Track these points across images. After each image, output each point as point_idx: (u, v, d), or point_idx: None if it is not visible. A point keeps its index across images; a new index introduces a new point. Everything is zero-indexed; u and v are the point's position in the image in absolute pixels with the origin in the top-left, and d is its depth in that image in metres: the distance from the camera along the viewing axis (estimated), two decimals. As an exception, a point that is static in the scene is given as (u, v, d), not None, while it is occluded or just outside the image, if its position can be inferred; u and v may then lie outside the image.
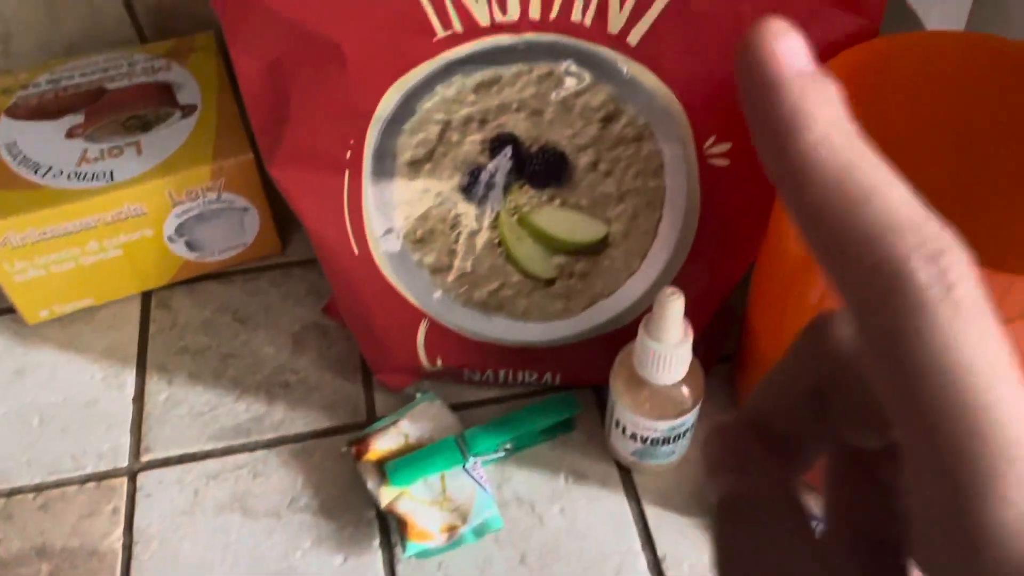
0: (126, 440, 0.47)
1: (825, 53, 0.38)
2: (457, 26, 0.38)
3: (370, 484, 0.42)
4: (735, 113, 0.40)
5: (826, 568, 0.15)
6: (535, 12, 0.38)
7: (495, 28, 0.38)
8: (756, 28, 0.13)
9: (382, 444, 0.43)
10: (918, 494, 0.13)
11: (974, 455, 0.12)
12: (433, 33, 0.38)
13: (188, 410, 0.48)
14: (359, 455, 0.43)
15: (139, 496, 0.45)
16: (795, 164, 0.12)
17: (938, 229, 0.12)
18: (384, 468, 0.42)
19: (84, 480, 0.45)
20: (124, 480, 0.45)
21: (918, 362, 0.12)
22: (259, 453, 0.46)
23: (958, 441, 0.12)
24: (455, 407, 0.47)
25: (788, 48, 0.13)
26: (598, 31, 0.38)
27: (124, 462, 0.46)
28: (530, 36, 0.39)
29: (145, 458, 0.46)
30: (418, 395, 0.47)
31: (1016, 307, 0.31)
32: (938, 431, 0.12)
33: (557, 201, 0.43)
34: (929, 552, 0.13)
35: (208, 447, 0.46)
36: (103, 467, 0.46)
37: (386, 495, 0.42)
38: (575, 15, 0.38)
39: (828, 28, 0.38)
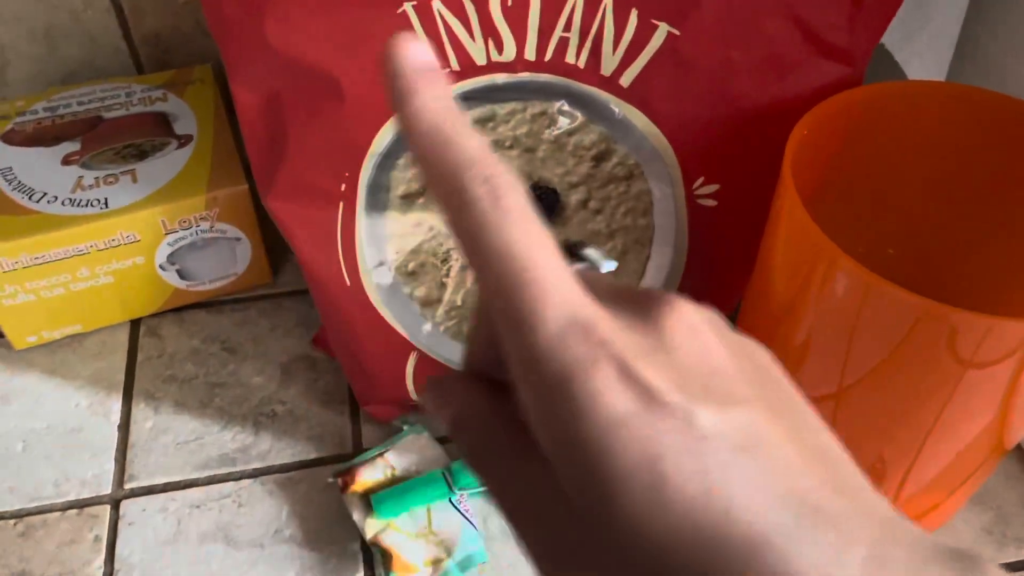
0: (110, 467, 0.47)
1: (811, 99, 0.39)
2: (454, 64, 0.39)
3: (356, 516, 0.42)
4: (724, 155, 0.41)
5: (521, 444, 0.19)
6: (530, 53, 0.39)
7: (491, 67, 0.39)
8: (396, 37, 0.19)
9: (368, 476, 0.43)
10: (506, 352, 0.18)
11: (520, 298, 0.17)
12: (430, 71, 0.39)
13: (174, 439, 0.48)
14: (345, 486, 0.43)
15: (121, 524, 0.44)
16: (406, 120, 0.18)
17: (494, 161, 0.18)
18: (370, 500, 0.42)
19: (66, 507, 0.45)
20: (107, 508, 0.45)
21: (483, 246, 0.17)
22: (244, 483, 0.46)
23: (509, 293, 0.17)
24: (442, 440, 0.47)
25: (413, 47, 0.19)
26: (591, 72, 0.39)
27: (107, 489, 0.46)
28: (525, 76, 0.40)
29: (129, 486, 0.46)
30: (405, 427, 0.47)
31: (997, 349, 0.32)
32: (499, 288, 0.17)
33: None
34: (521, 395, 0.18)
35: (193, 476, 0.46)
36: (86, 494, 0.45)
37: (371, 527, 0.42)
38: (569, 56, 0.39)
39: (815, 76, 0.39)
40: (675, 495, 0.16)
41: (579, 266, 0.24)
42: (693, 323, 0.18)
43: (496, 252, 0.17)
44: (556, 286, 0.17)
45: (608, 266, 0.25)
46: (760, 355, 0.19)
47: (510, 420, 0.20)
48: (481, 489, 0.45)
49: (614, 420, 0.16)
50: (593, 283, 0.19)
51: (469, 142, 0.18)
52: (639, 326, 0.18)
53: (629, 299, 0.19)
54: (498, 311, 0.18)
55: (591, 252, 0.25)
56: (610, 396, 0.16)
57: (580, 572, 0.18)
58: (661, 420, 0.16)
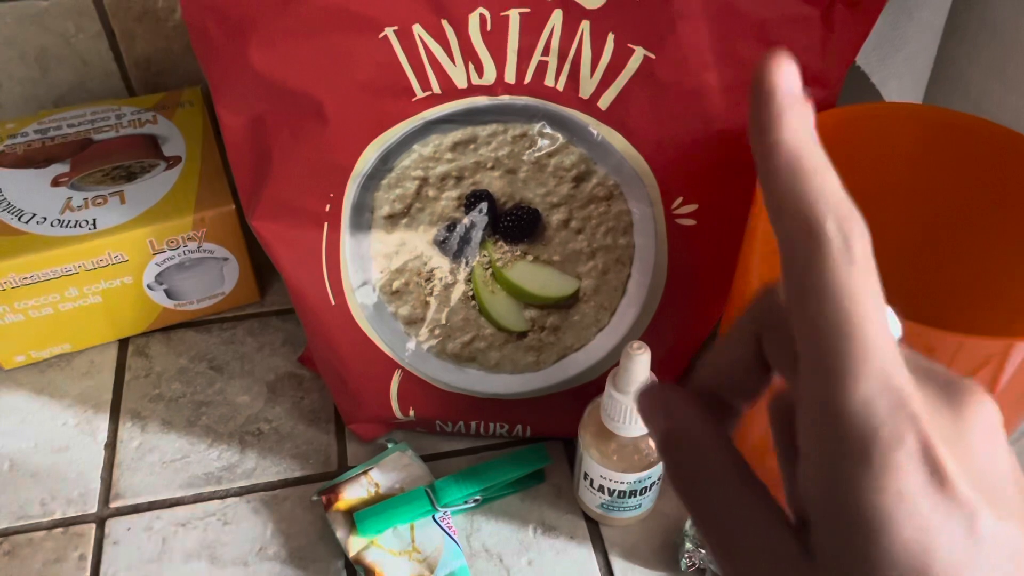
0: (96, 486, 0.47)
1: (786, 121, 0.40)
2: (435, 87, 0.40)
3: (339, 533, 0.43)
4: (702, 176, 0.42)
5: (749, 488, 0.19)
6: (511, 76, 0.40)
7: (472, 90, 0.40)
8: (769, 55, 0.18)
9: (352, 494, 0.44)
10: (803, 395, 0.18)
11: (843, 349, 0.17)
12: (412, 94, 0.40)
13: (160, 457, 0.48)
14: (329, 504, 0.44)
15: (106, 543, 0.44)
16: (764, 149, 0.18)
17: (850, 207, 0.18)
18: (354, 517, 0.43)
19: (52, 526, 0.45)
20: (92, 526, 0.45)
21: (817, 288, 0.17)
22: (229, 501, 0.46)
23: (833, 340, 0.17)
24: (426, 458, 0.47)
25: (786, 73, 0.18)
26: (570, 95, 0.40)
27: (93, 507, 0.46)
28: (505, 98, 0.41)
29: (114, 504, 0.46)
30: (389, 445, 0.47)
31: (969, 366, 0.32)
32: (820, 335, 0.17)
33: (530, 256, 0.44)
34: (804, 439, 0.18)
35: (178, 494, 0.46)
36: (72, 513, 0.46)
37: (355, 545, 0.42)
38: (548, 80, 0.40)
39: (788, 98, 0.40)
40: None
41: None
42: (993, 423, 0.19)
43: (832, 297, 0.17)
44: (881, 348, 0.17)
45: (897, 329, 0.24)
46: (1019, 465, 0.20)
47: (729, 447, 0.20)
48: (464, 506, 0.45)
49: (904, 495, 0.17)
50: (906, 355, 0.19)
51: (828, 181, 0.18)
52: (945, 410, 0.18)
53: (938, 380, 0.19)
54: (809, 352, 0.17)
55: (890, 313, 0.24)
56: (908, 471, 0.17)
57: None
58: (947, 508, 0.17)
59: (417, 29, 0.38)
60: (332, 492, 0.44)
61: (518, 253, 0.44)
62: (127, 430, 0.49)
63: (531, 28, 0.38)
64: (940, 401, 0.18)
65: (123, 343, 0.54)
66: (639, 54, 0.38)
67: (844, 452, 0.17)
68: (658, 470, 0.42)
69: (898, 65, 0.50)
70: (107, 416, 0.50)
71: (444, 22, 0.37)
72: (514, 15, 0.38)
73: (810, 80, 0.39)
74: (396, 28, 0.37)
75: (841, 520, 0.17)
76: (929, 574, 0.16)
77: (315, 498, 0.45)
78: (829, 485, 0.17)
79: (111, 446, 0.49)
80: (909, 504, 0.16)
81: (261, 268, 0.56)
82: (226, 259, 0.53)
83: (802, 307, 0.17)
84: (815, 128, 0.18)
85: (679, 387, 0.21)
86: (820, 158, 0.18)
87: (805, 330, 0.17)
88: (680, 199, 0.43)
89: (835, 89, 0.40)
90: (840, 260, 0.17)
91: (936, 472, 0.17)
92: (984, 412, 0.18)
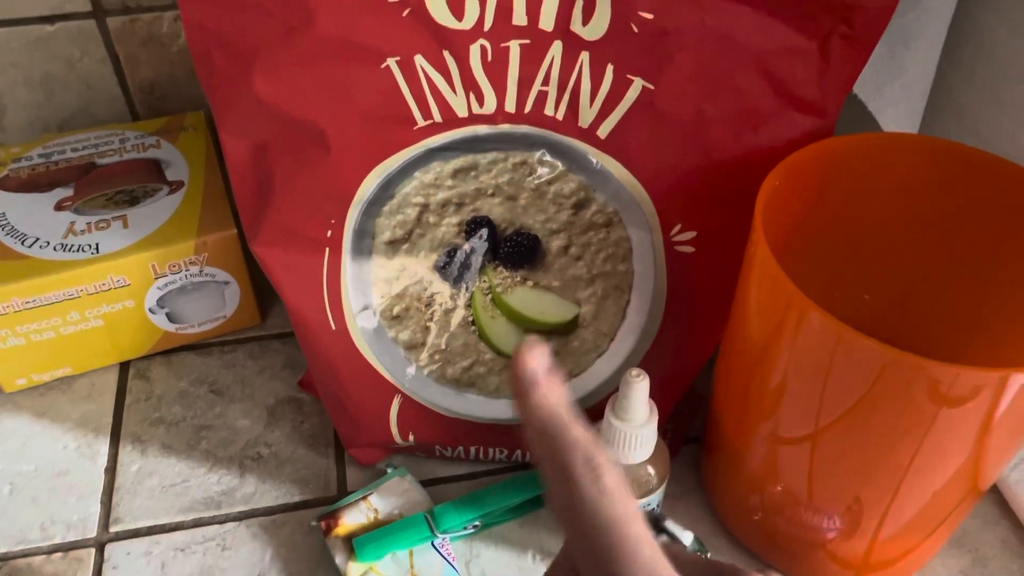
0: (96, 510, 0.47)
1: (784, 149, 0.40)
2: (437, 116, 0.40)
3: (338, 559, 0.43)
4: (700, 203, 0.42)
5: None
6: (511, 105, 0.40)
7: (473, 119, 0.41)
8: (525, 347, 0.24)
9: (351, 519, 0.44)
10: None
11: (614, 566, 0.20)
12: (414, 122, 0.40)
13: (160, 481, 0.48)
14: (328, 530, 0.44)
15: (106, 568, 0.44)
16: (526, 409, 0.23)
17: (594, 448, 0.22)
18: (353, 543, 0.43)
19: (51, 551, 0.45)
20: (91, 551, 0.45)
21: (583, 517, 0.21)
22: (229, 526, 0.46)
23: (606, 559, 0.20)
24: (426, 483, 0.47)
25: (538, 356, 0.23)
26: (570, 124, 0.40)
27: (93, 532, 0.46)
28: (506, 127, 0.41)
29: (114, 529, 0.46)
30: (389, 470, 0.47)
31: (967, 395, 0.33)
32: (594, 554, 0.21)
33: (530, 282, 0.45)
34: None
35: (178, 519, 0.46)
36: (71, 537, 0.46)
37: (354, 571, 0.42)
38: (548, 109, 0.40)
39: (787, 127, 0.40)
40: None
41: (663, 539, 0.28)
42: None
43: (593, 524, 0.21)
44: (645, 557, 0.20)
45: (687, 538, 0.29)
46: None
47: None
48: (463, 532, 0.45)
49: None
50: (677, 556, 0.22)
51: (574, 430, 0.22)
52: None
53: (711, 570, 0.23)
54: (588, 568, 0.21)
55: (671, 525, 0.29)
56: None
57: None
58: None
59: (419, 60, 0.38)
60: (331, 517, 0.44)
61: (518, 279, 0.45)
62: (127, 454, 0.50)
63: (531, 59, 0.39)
64: None
65: (124, 366, 0.54)
66: (638, 84, 0.39)
67: None
68: (658, 496, 0.42)
69: (895, 93, 0.50)
70: (107, 440, 0.50)
71: (446, 53, 0.38)
72: (514, 46, 0.38)
73: (807, 109, 0.40)
74: (398, 59, 0.38)
75: None
76: None
77: (314, 523, 0.45)
78: None
79: (111, 470, 0.49)
80: None
81: (262, 291, 0.56)
82: (227, 283, 0.53)
83: (575, 536, 0.21)
84: (565, 397, 0.23)
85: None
86: (567, 416, 0.22)
87: (581, 559, 0.21)
88: (679, 226, 0.43)
89: (832, 119, 0.41)
90: (592, 490, 0.21)
91: None
92: None
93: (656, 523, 0.29)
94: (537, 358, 0.23)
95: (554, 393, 0.23)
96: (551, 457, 0.22)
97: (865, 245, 0.45)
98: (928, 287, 0.45)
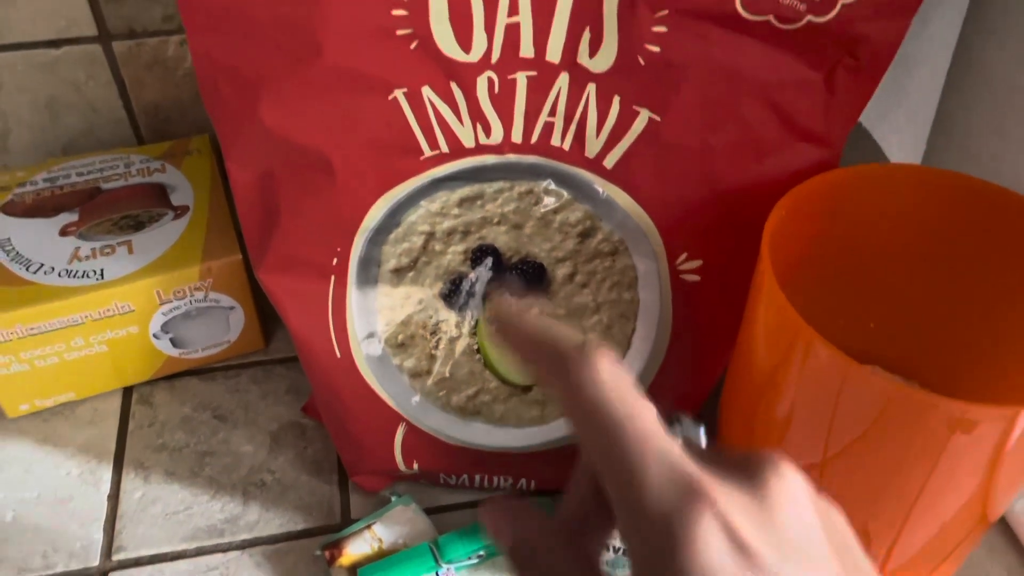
0: (99, 538, 0.47)
1: (790, 180, 0.40)
2: (443, 147, 0.40)
3: (342, 589, 0.42)
4: (706, 233, 0.42)
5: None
6: (517, 136, 0.40)
7: (479, 149, 0.41)
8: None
9: (356, 548, 0.44)
10: (615, 511, 0.20)
11: (624, 457, 0.19)
12: (420, 152, 0.40)
13: (163, 509, 0.48)
14: (332, 559, 0.43)
15: (108, 597, 0.44)
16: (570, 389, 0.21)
17: (596, 347, 0.21)
18: (357, 574, 0.42)
19: (53, 579, 0.45)
20: (94, 580, 0.45)
21: (586, 412, 0.20)
22: (232, 554, 0.46)
23: (615, 454, 0.19)
24: (430, 510, 0.47)
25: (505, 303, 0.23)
26: (576, 154, 0.41)
27: (95, 561, 0.46)
28: (512, 157, 0.41)
29: (117, 557, 0.46)
30: (393, 498, 0.47)
31: (972, 430, 0.32)
32: (604, 453, 0.20)
33: (535, 310, 0.45)
34: (627, 549, 0.20)
35: (181, 547, 0.46)
36: (74, 566, 0.45)
37: (358, 601, 0.42)
38: (555, 139, 0.40)
39: (792, 158, 0.40)
40: None
41: (678, 437, 0.25)
42: (794, 492, 0.20)
43: (603, 425, 0.20)
44: (657, 447, 0.19)
45: (700, 431, 0.26)
46: (838, 521, 0.21)
47: (567, 549, 0.22)
48: (468, 562, 0.45)
49: (710, 569, 0.18)
50: (699, 451, 0.21)
51: (564, 331, 0.22)
52: (746, 485, 0.20)
53: (736, 461, 0.21)
54: (604, 471, 0.20)
55: (685, 419, 0.26)
56: (710, 547, 0.18)
57: None
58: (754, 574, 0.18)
59: (426, 91, 0.38)
60: (335, 547, 0.44)
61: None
62: (130, 480, 0.49)
63: (538, 90, 0.39)
64: (739, 479, 0.20)
65: (127, 391, 0.54)
66: (644, 115, 0.39)
67: (652, 547, 0.19)
68: (663, 527, 0.42)
69: (899, 121, 0.51)
70: (110, 466, 0.50)
71: (453, 84, 0.38)
72: (521, 78, 0.38)
73: (813, 140, 0.40)
74: (406, 90, 0.38)
75: None
76: None
77: (318, 553, 0.45)
78: (652, 573, 0.19)
79: (114, 497, 0.49)
80: (719, 571, 0.18)
81: (266, 316, 0.56)
82: (232, 308, 0.53)
83: (584, 434, 0.20)
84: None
85: (518, 498, 0.24)
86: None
87: (594, 455, 0.20)
88: (684, 255, 0.43)
89: (837, 149, 0.41)
90: (598, 393, 0.20)
91: (737, 543, 0.18)
92: (785, 481, 0.20)
93: (669, 419, 0.27)
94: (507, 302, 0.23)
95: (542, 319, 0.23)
96: (537, 354, 0.22)
97: (871, 274, 0.45)
98: (934, 315, 0.45)
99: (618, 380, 0.20)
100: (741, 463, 0.20)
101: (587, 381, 0.20)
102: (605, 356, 0.21)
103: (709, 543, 0.18)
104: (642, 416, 0.20)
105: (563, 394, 0.21)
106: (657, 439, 0.19)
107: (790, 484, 0.20)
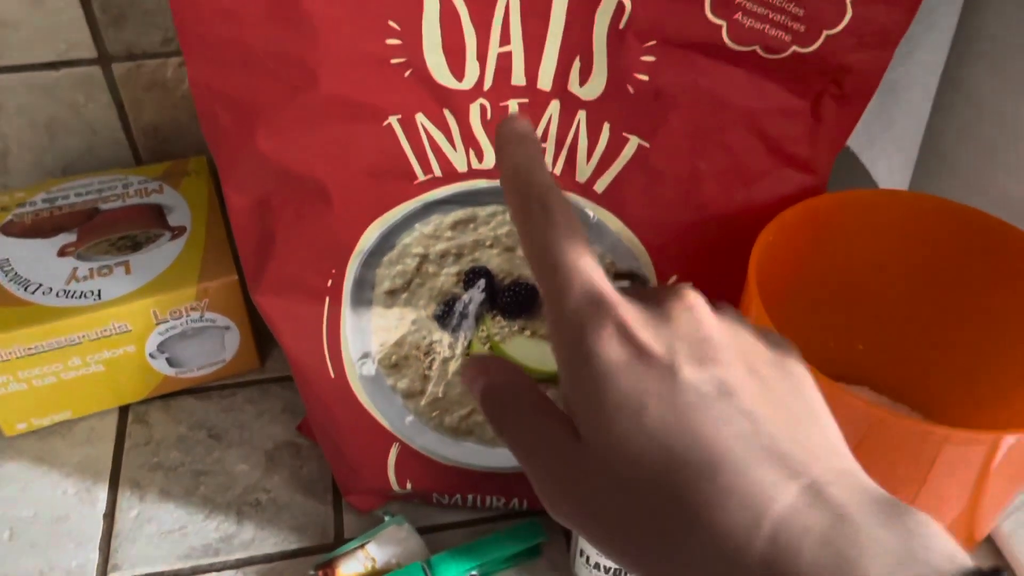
0: (94, 557, 0.47)
1: (777, 205, 0.41)
2: (437, 171, 0.41)
3: (336, 609, 0.43)
4: (696, 256, 0.43)
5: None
6: (509, 160, 0.41)
7: (472, 173, 0.41)
8: (507, 121, 0.27)
9: (348, 568, 0.44)
10: (545, 303, 0.24)
11: (555, 279, 0.24)
12: (414, 177, 0.41)
13: (158, 528, 0.48)
14: (326, 579, 0.44)
15: (103, 616, 0.45)
16: (503, 160, 0.26)
17: (555, 191, 0.25)
18: (350, 593, 0.43)
19: (49, 598, 0.45)
20: (89, 599, 0.45)
21: (537, 247, 0.24)
22: (227, 573, 0.46)
23: (549, 276, 0.24)
24: (423, 530, 0.48)
25: (517, 123, 0.27)
26: (567, 179, 0.41)
27: (90, 580, 0.46)
28: (504, 181, 0.42)
29: (112, 576, 0.46)
30: (386, 518, 0.48)
31: (957, 453, 0.33)
32: (542, 276, 0.24)
33: (527, 332, 0.45)
34: (549, 324, 0.24)
35: (176, 566, 0.47)
36: (69, 585, 0.46)
37: (351, 621, 0.42)
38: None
39: (779, 184, 0.41)
40: (652, 424, 0.22)
41: (623, 283, 0.29)
42: (691, 303, 0.24)
43: (547, 251, 0.24)
44: (582, 272, 0.24)
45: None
46: (776, 340, 0.25)
47: (530, 390, 0.26)
48: (461, 581, 0.45)
49: (611, 367, 0.22)
50: (628, 289, 0.25)
51: (538, 177, 0.25)
52: (650, 306, 0.24)
53: (650, 290, 0.25)
54: (543, 290, 0.24)
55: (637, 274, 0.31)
56: (610, 350, 0.23)
57: (580, 492, 0.23)
58: (647, 370, 0.22)
59: (420, 118, 0.39)
60: (328, 567, 0.44)
61: (516, 328, 0.45)
62: (126, 499, 0.50)
63: (530, 117, 0.39)
64: (647, 301, 0.24)
65: (123, 410, 0.55)
66: (633, 142, 0.40)
67: (570, 349, 0.23)
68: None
69: (887, 145, 0.51)
70: (106, 485, 0.50)
71: (446, 111, 0.39)
72: (513, 105, 0.39)
73: (800, 167, 0.41)
74: (400, 117, 0.39)
75: (580, 398, 0.23)
76: (646, 418, 0.22)
77: (312, 572, 0.45)
78: (569, 378, 0.23)
79: (110, 516, 0.49)
80: (619, 372, 0.22)
81: (261, 336, 0.57)
82: (228, 328, 0.54)
83: (532, 262, 0.25)
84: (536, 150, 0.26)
85: (494, 356, 0.27)
86: (533, 165, 0.26)
87: (538, 277, 0.25)
88: (675, 277, 0.44)
89: (824, 176, 0.41)
90: (544, 222, 0.24)
91: (631, 341, 0.23)
92: (683, 298, 0.24)
93: (622, 276, 0.30)
94: (517, 123, 0.26)
95: (527, 151, 0.26)
96: (516, 202, 0.25)
97: (858, 297, 0.45)
98: (921, 337, 0.45)
99: (572, 232, 0.25)
100: (654, 291, 0.25)
101: (549, 238, 0.24)
102: (562, 210, 0.25)
103: (609, 342, 0.23)
104: (578, 253, 0.24)
105: (525, 238, 0.25)
106: (586, 270, 0.24)
107: (687, 299, 0.24)
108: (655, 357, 0.22)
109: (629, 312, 0.23)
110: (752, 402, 0.22)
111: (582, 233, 0.25)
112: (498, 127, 0.27)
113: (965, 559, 0.20)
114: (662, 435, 0.22)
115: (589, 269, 0.24)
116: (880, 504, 0.21)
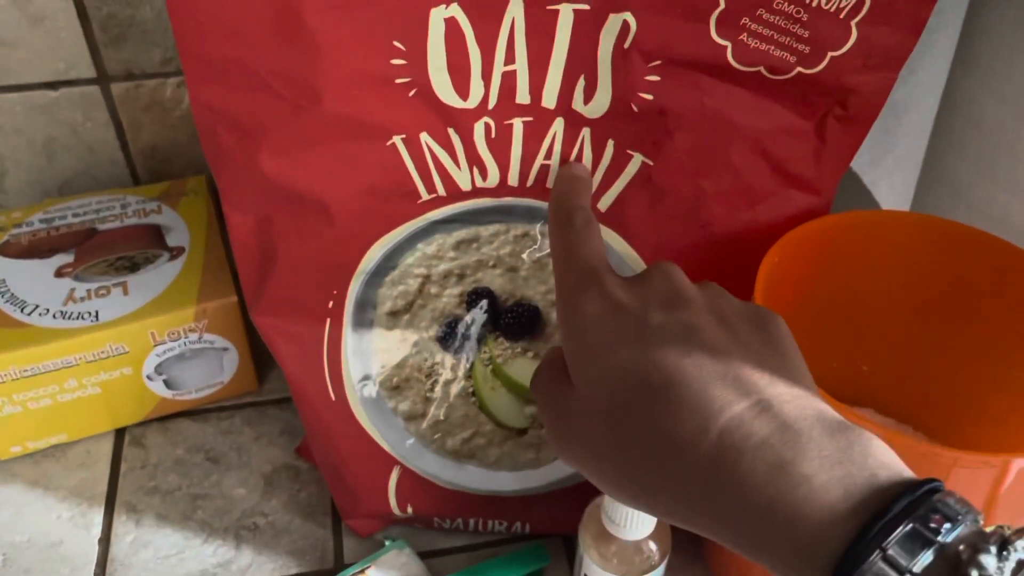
0: (89, 583, 0.46)
1: (782, 225, 0.41)
2: (440, 190, 0.41)
3: (336, 636, 0.42)
4: (698, 276, 0.42)
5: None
6: (514, 179, 0.41)
7: (476, 192, 0.41)
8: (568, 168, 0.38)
9: (350, 593, 0.43)
10: (555, 272, 0.33)
11: (565, 262, 0.33)
12: (418, 196, 0.40)
13: (154, 553, 0.47)
14: (326, 605, 0.43)
15: (98, 644, 0.44)
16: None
17: (578, 206, 0.35)
18: (351, 619, 0.42)
19: (42, 626, 0.44)
20: (83, 626, 0.44)
21: (558, 240, 0.34)
22: (224, 600, 0.46)
23: (564, 259, 0.33)
24: (424, 554, 0.47)
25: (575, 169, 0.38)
26: (571, 199, 0.41)
27: (85, 607, 0.45)
28: (508, 200, 0.41)
29: (107, 603, 0.45)
30: (387, 542, 0.47)
31: (965, 477, 0.33)
32: (557, 261, 0.33)
33: (530, 353, 0.45)
34: (556, 286, 0.32)
35: (172, 592, 0.46)
36: (63, 612, 0.45)
37: (351, 648, 0.41)
38: (550, 182, 0.41)
39: (784, 205, 0.41)
40: (622, 361, 0.27)
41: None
42: (667, 269, 0.30)
43: (559, 246, 0.34)
44: (586, 256, 0.31)
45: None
46: (757, 307, 0.30)
47: (557, 361, 0.31)
48: (463, 607, 0.45)
49: (591, 319, 0.28)
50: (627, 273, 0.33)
51: (576, 200, 0.36)
52: (633, 277, 0.30)
53: (639, 273, 0.31)
54: (557, 266, 0.33)
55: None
56: (589, 306, 0.29)
57: (578, 431, 0.28)
58: (621, 319, 0.28)
59: (424, 137, 0.39)
60: (329, 592, 0.43)
61: (519, 350, 0.45)
62: (121, 524, 0.49)
63: (534, 135, 0.39)
64: (632, 276, 0.31)
65: (119, 433, 0.54)
66: (637, 160, 0.40)
67: (565, 314, 0.30)
68: (660, 572, 0.42)
69: (889, 166, 0.51)
70: (101, 509, 0.50)
71: (450, 130, 0.39)
72: (518, 123, 0.39)
73: (804, 187, 0.41)
74: (404, 136, 0.38)
75: (569, 349, 0.29)
76: (619, 354, 0.27)
77: (311, 598, 0.44)
78: (563, 336, 0.30)
79: (105, 541, 0.48)
80: (597, 322, 0.28)
81: (260, 357, 0.56)
82: (226, 349, 0.53)
83: (553, 255, 0.33)
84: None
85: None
86: (577, 199, 0.36)
87: (555, 267, 0.33)
88: (678, 298, 0.43)
89: (828, 196, 0.41)
90: (566, 226, 0.33)
91: (609, 299, 0.29)
92: (660, 266, 0.30)
93: None
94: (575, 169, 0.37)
95: (575, 185, 0.36)
96: (553, 216, 0.35)
97: (863, 318, 0.45)
98: (925, 358, 0.45)
99: (588, 230, 0.33)
100: (641, 271, 0.31)
101: (566, 236, 0.33)
102: (585, 223, 0.34)
103: (590, 300, 0.29)
104: (589, 246, 0.32)
105: (552, 238, 0.34)
106: (589, 257, 0.31)
107: (664, 266, 0.30)
108: (628, 308, 0.28)
109: (611, 279, 0.30)
110: (715, 340, 0.26)
111: (597, 236, 0.32)
112: (560, 169, 0.37)
113: (902, 469, 0.22)
114: (632, 368, 0.26)
115: (591, 256, 0.30)
116: (829, 421, 0.23)
